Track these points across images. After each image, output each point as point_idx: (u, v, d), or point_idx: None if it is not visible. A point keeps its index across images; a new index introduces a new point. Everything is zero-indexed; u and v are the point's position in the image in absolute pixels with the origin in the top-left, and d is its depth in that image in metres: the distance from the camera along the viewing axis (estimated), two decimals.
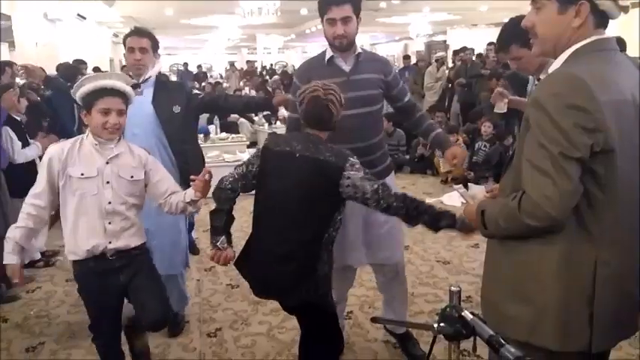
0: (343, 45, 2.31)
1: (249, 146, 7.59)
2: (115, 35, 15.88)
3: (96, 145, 2.09)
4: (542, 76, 1.42)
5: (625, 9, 1.31)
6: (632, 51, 5.75)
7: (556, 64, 1.35)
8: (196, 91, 3.76)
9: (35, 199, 2.09)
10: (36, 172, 3.80)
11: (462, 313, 1.14)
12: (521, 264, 1.36)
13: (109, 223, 2.09)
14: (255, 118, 8.79)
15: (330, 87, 1.98)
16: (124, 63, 16.96)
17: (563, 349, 1.32)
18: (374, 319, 1.46)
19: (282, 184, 1.91)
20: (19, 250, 2.06)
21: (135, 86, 2.10)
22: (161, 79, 2.85)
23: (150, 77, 2.73)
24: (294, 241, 1.90)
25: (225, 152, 6.40)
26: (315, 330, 2.11)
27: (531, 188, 1.25)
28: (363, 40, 22.00)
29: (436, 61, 8.85)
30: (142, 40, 2.71)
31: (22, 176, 3.79)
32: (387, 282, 2.68)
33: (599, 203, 1.27)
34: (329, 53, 2.36)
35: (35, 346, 2.94)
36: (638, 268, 1.37)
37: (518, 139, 1.38)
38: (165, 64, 28.25)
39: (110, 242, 2.10)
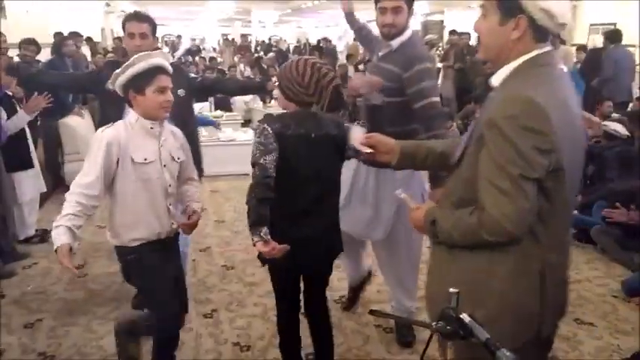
0: (390, 34, 2.42)
1: (243, 125, 7.58)
2: (107, 4, 15.54)
3: (151, 128, 2.08)
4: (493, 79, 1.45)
5: (563, 41, 1.36)
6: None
7: (500, 75, 1.39)
8: (193, 75, 3.75)
9: (88, 189, 1.95)
10: (26, 146, 3.86)
11: (461, 315, 1.19)
12: (472, 271, 1.41)
13: (170, 204, 2.17)
14: (250, 97, 8.74)
15: (330, 69, 2.01)
16: (115, 33, 16.74)
17: (516, 345, 1.33)
18: (372, 312, 1.50)
19: (308, 163, 1.97)
20: (70, 233, 1.88)
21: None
22: None
23: None
24: (332, 209, 2.12)
25: (219, 131, 6.38)
26: (323, 291, 2.30)
27: (491, 206, 1.30)
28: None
29: (426, 44, 8.79)
30: (142, 26, 2.71)
31: (16, 150, 3.83)
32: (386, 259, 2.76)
33: (547, 213, 1.34)
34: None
35: (33, 323, 2.99)
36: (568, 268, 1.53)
37: (470, 153, 1.39)
38: (158, 34, 27.84)
39: (172, 224, 2.19)
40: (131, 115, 2.09)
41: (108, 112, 2.76)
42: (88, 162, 1.99)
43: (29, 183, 4.01)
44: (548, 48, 1.36)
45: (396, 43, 2.44)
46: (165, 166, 2.13)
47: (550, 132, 1.25)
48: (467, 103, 7.19)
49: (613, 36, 6.95)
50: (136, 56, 2.03)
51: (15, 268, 3.62)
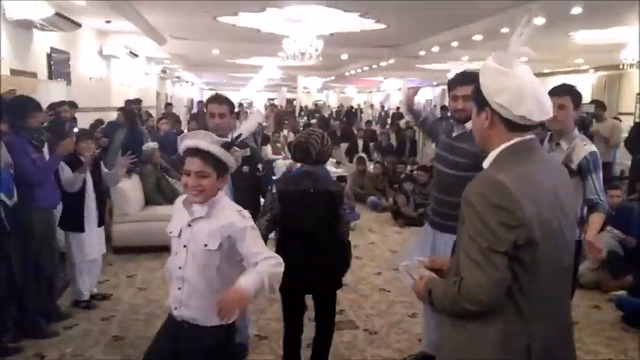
0: (461, 118, 2.83)
1: None
2: (164, 71, 16.57)
3: (186, 205, 2.03)
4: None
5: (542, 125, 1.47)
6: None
7: (487, 162, 1.55)
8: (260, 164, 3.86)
9: None
10: (80, 209, 4.00)
11: None
12: (462, 341, 1.51)
13: (179, 288, 2.01)
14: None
15: (314, 133, 2.79)
16: (169, 98, 17.64)
17: None
18: None
19: (305, 212, 2.67)
20: None
21: (227, 145, 2.02)
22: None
23: (240, 135, 2.84)
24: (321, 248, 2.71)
25: None
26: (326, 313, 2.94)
27: (466, 276, 1.42)
28: (400, 84, 22.31)
29: None
30: (221, 107, 3.11)
31: (73, 210, 3.96)
32: None
33: (527, 284, 1.44)
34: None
35: None
36: (564, 332, 1.58)
37: (458, 230, 1.54)
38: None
39: (176, 308, 2.02)
40: None
41: None
42: None
43: (78, 247, 3.99)
44: (528, 136, 1.52)
45: (469, 125, 2.72)
46: (185, 246, 2.00)
47: (515, 209, 1.38)
48: None
49: None
50: (182, 135, 2.11)
51: (57, 329, 3.73)
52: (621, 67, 9.04)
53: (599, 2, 5.92)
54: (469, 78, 2.77)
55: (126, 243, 5.47)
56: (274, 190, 2.72)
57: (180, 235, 2.02)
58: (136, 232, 5.41)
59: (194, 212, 2.01)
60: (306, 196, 2.68)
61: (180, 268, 2.00)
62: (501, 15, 7.49)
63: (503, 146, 1.51)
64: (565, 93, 2.95)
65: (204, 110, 3.34)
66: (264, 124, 13.47)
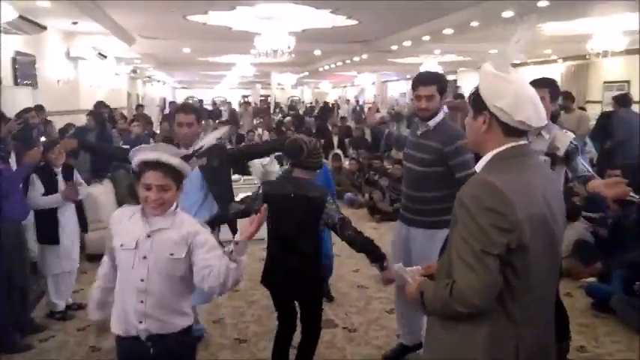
0: (425, 116, 2.95)
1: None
2: (134, 71, 16.29)
3: (143, 217, 2.00)
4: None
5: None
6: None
7: (480, 164, 1.58)
8: (229, 146, 4.05)
9: (104, 258, 2.17)
10: (54, 221, 3.93)
11: None
12: (452, 341, 1.54)
13: (141, 301, 1.96)
14: (267, 159, 8.93)
15: (310, 139, 2.81)
16: (140, 98, 17.33)
17: None
18: None
19: (286, 217, 2.70)
20: (99, 306, 2.17)
21: (188, 157, 2.06)
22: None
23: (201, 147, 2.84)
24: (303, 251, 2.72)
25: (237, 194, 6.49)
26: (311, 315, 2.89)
27: (458, 278, 1.44)
28: (374, 79, 22.38)
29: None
30: (188, 117, 3.18)
31: (47, 223, 3.87)
32: None
33: (518, 290, 1.46)
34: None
35: None
36: (550, 330, 1.62)
37: (450, 231, 1.56)
38: (180, 97, 28.98)
39: (141, 322, 1.97)
40: None
41: None
42: None
43: (53, 259, 3.92)
44: (522, 141, 1.55)
45: (432, 123, 2.95)
46: (145, 257, 1.96)
47: (508, 213, 1.40)
48: None
49: (623, 100, 7.04)
50: (137, 148, 2.06)
51: (32, 342, 3.65)
52: (587, 57, 9.23)
53: None
54: (431, 78, 2.98)
55: (100, 250, 5.21)
56: (261, 191, 2.81)
57: (136, 247, 1.97)
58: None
59: (154, 223, 2.00)
60: (287, 201, 2.72)
61: (142, 280, 1.96)
62: (471, 9, 7.57)
63: (496, 150, 1.53)
64: (545, 86, 3.01)
65: (173, 119, 3.41)
66: (240, 122, 13.44)
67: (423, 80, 2.96)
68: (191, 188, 3.04)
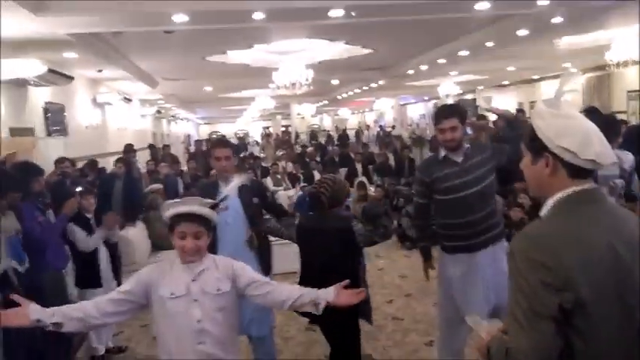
0: (451, 146, 3.02)
1: None
2: (158, 111, 16.73)
3: (182, 264, 2.15)
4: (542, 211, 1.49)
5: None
6: None
7: (544, 209, 1.44)
8: (268, 193, 4.19)
9: (116, 293, 2.17)
10: (95, 264, 4.01)
11: None
12: None
13: (200, 343, 2.07)
14: (292, 190, 9.03)
15: (325, 181, 3.01)
16: (166, 136, 17.65)
17: None
18: None
19: (318, 249, 2.91)
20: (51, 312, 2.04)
21: (215, 206, 2.22)
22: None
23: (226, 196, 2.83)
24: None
25: None
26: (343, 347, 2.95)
27: (511, 339, 1.32)
28: (392, 102, 22.49)
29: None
30: (226, 150, 3.34)
31: (87, 266, 3.99)
32: None
33: (583, 355, 1.30)
34: (442, 152, 3.07)
35: None
36: None
37: (508, 281, 1.43)
38: (203, 132, 29.59)
39: None
40: None
41: None
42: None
43: None
44: (587, 185, 1.40)
45: (464, 147, 3.04)
46: (196, 300, 2.09)
47: (559, 268, 1.26)
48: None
49: None
50: (167, 202, 2.22)
51: None
52: (608, 67, 9.15)
53: (577, 10, 6.04)
54: (452, 111, 3.08)
55: None
56: (297, 222, 3.12)
57: (187, 292, 2.10)
58: None
59: (195, 268, 2.14)
60: (318, 234, 2.93)
61: (199, 321, 2.07)
62: (485, 30, 7.63)
63: (560, 194, 1.40)
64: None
65: (202, 150, 3.55)
66: (261, 155, 13.61)
67: (445, 114, 3.05)
68: (232, 220, 3.20)
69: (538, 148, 1.42)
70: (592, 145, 1.36)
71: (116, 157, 7.84)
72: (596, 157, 1.35)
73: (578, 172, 1.39)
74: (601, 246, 1.32)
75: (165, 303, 2.09)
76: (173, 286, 2.10)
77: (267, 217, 3.48)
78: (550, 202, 1.42)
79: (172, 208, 2.14)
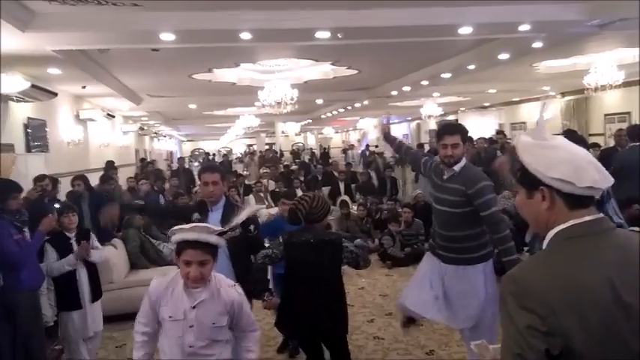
0: (450, 162, 3.18)
1: None
2: (141, 128, 16.63)
3: (185, 289, 2.21)
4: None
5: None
6: None
7: (544, 243, 1.38)
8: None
9: (143, 326, 2.32)
10: (74, 287, 3.87)
11: None
12: None
13: None
14: (275, 209, 8.97)
15: (304, 199, 3.14)
16: (148, 154, 17.50)
17: None
18: None
19: (309, 262, 2.97)
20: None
21: (222, 233, 2.28)
22: (229, 201, 3.44)
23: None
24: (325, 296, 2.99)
25: None
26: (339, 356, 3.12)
27: None
28: (376, 122, 22.65)
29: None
30: (213, 175, 3.27)
31: (63, 290, 3.87)
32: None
33: None
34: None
35: None
36: None
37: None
38: (187, 149, 29.47)
39: None
40: None
41: None
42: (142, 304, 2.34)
43: (73, 324, 3.85)
44: (588, 216, 1.32)
45: (457, 167, 3.17)
46: (191, 327, 2.18)
47: (547, 314, 1.20)
48: None
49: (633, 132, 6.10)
50: (176, 228, 2.23)
51: None
52: (586, 91, 9.38)
53: (557, 36, 6.21)
54: (456, 129, 3.26)
55: (113, 312, 5.28)
56: (281, 240, 3.12)
57: (184, 317, 2.18)
58: (122, 299, 5.19)
59: (196, 295, 2.21)
60: (307, 246, 3.01)
61: (190, 347, 2.18)
62: (467, 53, 7.78)
63: (559, 228, 1.33)
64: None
65: (185, 167, 3.51)
66: (244, 172, 13.55)
67: (448, 130, 3.23)
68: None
69: (531, 182, 1.37)
70: (587, 171, 1.31)
71: (98, 173, 7.75)
72: (593, 183, 1.30)
73: (576, 201, 1.32)
74: (595, 285, 1.24)
75: (164, 322, 2.23)
76: (173, 308, 2.19)
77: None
78: (549, 236, 1.36)
79: (180, 234, 2.17)
